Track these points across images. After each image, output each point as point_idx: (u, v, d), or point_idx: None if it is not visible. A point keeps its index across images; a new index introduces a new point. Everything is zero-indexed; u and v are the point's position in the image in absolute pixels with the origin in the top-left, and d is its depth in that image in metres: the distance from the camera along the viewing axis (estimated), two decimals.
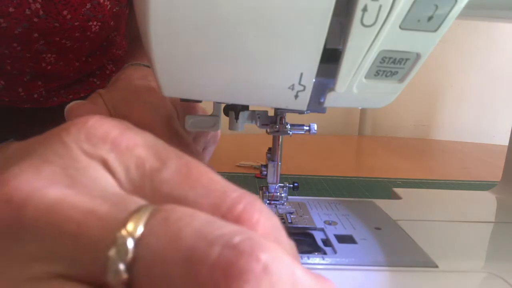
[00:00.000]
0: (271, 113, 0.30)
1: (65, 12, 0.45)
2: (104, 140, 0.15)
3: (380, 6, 0.18)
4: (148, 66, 0.41)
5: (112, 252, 0.11)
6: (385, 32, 0.18)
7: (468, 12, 0.20)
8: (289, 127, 0.29)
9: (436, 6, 0.18)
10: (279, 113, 0.29)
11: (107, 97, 0.32)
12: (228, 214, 0.13)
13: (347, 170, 0.62)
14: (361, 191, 0.51)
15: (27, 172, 0.14)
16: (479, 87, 1.04)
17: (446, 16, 0.19)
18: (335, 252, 0.28)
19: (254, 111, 0.30)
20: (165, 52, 0.19)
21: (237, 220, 0.13)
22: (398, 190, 0.42)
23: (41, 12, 0.44)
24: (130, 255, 0.11)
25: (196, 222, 0.11)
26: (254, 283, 0.10)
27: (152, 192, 0.14)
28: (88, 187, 0.14)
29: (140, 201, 0.13)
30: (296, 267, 0.11)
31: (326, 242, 0.29)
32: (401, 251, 0.29)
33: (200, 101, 0.29)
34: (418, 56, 0.20)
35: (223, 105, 0.30)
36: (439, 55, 0.95)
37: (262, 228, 0.13)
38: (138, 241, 0.11)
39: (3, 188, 0.13)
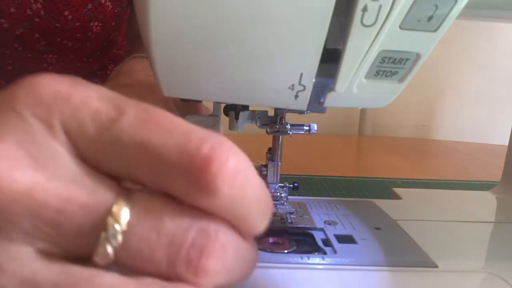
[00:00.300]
0: (271, 113, 0.30)
1: (66, 13, 0.45)
2: (56, 100, 0.14)
3: (380, 6, 0.18)
4: None
5: (102, 237, 0.13)
6: (385, 32, 0.18)
7: (468, 12, 0.20)
8: (289, 127, 0.29)
9: (436, 6, 0.18)
10: (279, 113, 0.29)
11: None
12: (196, 154, 0.13)
13: (347, 170, 0.62)
14: (361, 191, 0.51)
15: None
16: (479, 87, 1.04)
17: (446, 16, 0.19)
18: (335, 252, 0.28)
19: (254, 111, 0.30)
20: (165, 52, 0.19)
21: (206, 159, 0.13)
22: (398, 190, 0.42)
23: (42, 12, 0.44)
24: (120, 239, 0.13)
25: (171, 210, 0.14)
26: (217, 257, 0.13)
27: (111, 144, 0.14)
28: (52, 167, 0.13)
29: (110, 185, 0.14)
30: (238, 240, 0.15)
31: (326, 242, 0.29)
32: (401, 251, 0.29)
33: (200, 101, 0.29)
34: (418, 56, 0.20)
35: (223, 105, 0.30)
36: (439, 55, 0.95)
37: (232, 166, 0.13)
38: (126, 228, 0.13)
39: None
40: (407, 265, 0.27)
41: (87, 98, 0.14)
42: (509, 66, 1.02)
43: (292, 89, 0.21)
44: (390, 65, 0.21)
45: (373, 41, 0.19)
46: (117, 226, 0.13)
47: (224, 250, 0.14)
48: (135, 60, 0.44)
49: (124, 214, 0.13)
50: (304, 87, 0.20)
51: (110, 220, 0.13)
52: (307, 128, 0.30)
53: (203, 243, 0.13)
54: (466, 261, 0.28)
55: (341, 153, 0.77)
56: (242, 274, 0.15)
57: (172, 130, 0.13)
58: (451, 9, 0.19)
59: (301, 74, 0.20)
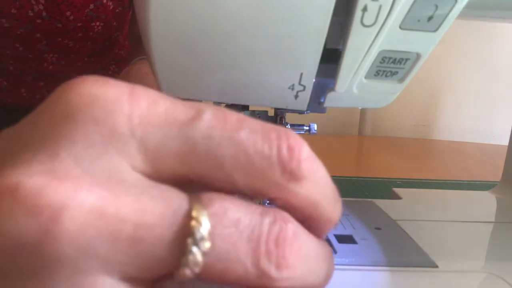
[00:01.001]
0: (271, 113, 0.30)
1: (68, 13, 0.45)
2: (120, 103, 0.12)
3: (380, 6, 0.18)
4: None
5: (190, 243, 0.12)
6: (385, 32, 0.19)
7: (468, 12, 0.20)
8: (289, 127, 0.29)
9: (436, 6, 0.18)
10: (279, 113, 0.29)
11: None
12: (281, 144, 0.14)
13: (347, 170, 0.62)
14: (361, 191, 0.51)
15: (41, 172, 0.11)
16: (479, 87, 1.04)
17: (446, 16, 0.19)
18: (335, 252, 0.28)
19: (254, 111, 0.30)
20: (165, 52, 0.19)
21: (290, 147, 0.14)
22: (398, 190, 0.42)
23: (44, 14, 0.44)
24: (208, 243, 0.12)
25: (241, 206, 0.13)
26: (291, 244, 0.13)
27: (202, 142, 0.13)
28: (115, 182, 0.12)
29: (177, 191, 0.13)
30: (307, 232, 0.15)
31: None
32: (401, 251, 0.29)
33: (200, 101, 0.29)
34: (418, 56, 0.20)
35: (223, 105, 0.30)
36: (439, 55, 0.95)
37: (306, 151, 0.14)
38: (210, 231, 0.12)
39: (17, 194, 0.11)
40: (407, 265, 0.27)
41: (153, 100, 0.13)
42: (509, 66, 1.02)
43: (292, 89, 0.21)
44: (390, 65, 0.21)
45: (373, 41, 0.19)
46: (202, 230, 0.12)
47: (297, 238, 0.14)
48: (142, 62, 0.44)
49: (204, 216, 0.12)
50: (304, 87, 0.20)
51: (194, 224, 0.12)
52: (307, 128, 0.30)
53: (277, 233, 0.13)
54: (466, 261, 0.28)
55: (341, 153, 0.77)
56: (321, 273, 0.15)
57: (250, 126, 0.14)
58: (451, 9, 0.19)
59: (301, 74, 0.20)
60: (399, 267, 0.27)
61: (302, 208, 0.15)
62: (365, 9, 0.18)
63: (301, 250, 0.14)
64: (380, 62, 0.20)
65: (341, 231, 0.31)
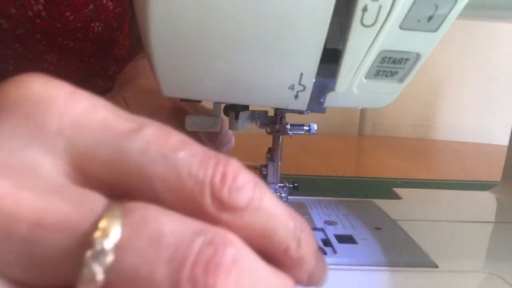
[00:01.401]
0: (271, 113, 0.30)
1: (68, 13, 0.45)
2: (54, 101, 0.12)
3: (380, 6, 0.18)
4: None
5: (88, 256, 0.11)
6: (385, 32, 0.19)
7: (468, 12, 0.20)
8: (289, 127, 0.29)
9: (436, 6, 0.18)
10: (279, 113, 0.29)
11: (133, 105, 0.33)
12: (214, 173, 0.12)
13: (347, 170, 0.62)
14: (361, 191, 0.51)
15: None
16: (479, 87, 1.04)
17: (446, 16, 0.19)
18: (335, 252, 0.28)
19: (254, 111, 0.30)
20: (165, 52, 0.19)
21: (222, 177, 0.12)
22: (398, 190, 0.42)
23: (43, 14, 0.44)
24: (110, 259, 0.11)
25: (172, 220, 0.12)
26: (226, 274, 0.11)
27: (138, 156, 0.12)
28: (29, 176, 0.11)
29: (98, 197, 0.12)
30: (257, 260, 0.13)
31: (326, 242, 0.29)
32: (401, 251, 0.29)
33: (200, 101, 0.29)
34: (418, 56, 0.20)
35: (223, 105, 0.30)
36: (439, 55, 0.95)
37: (238, 184, 0.13)
38: (118, 243, 0.11)
39: None
40: (407, 265, 0.27)
41: (92, 105, 0.13)
42: (509, 66, 1.02)
43: (292, 89, 0.21)
44: (390, 65, 0.21)
45: (373, 41, 0.19)
46: (106, 242, 0.11)
47: (237, 266, 0.11)
48: (145, 58, 0.43)
49: (115, 227, 0.11)
50: (304, 87, 0.20)
51: (97, 234, 0.11)
52: (307, 128, 0.30)
53: (209, 256, 0.11)
54: (466, 261, 0.28)
55: (341, 153, 0.77)
56: None
57: (190, 147, 0.13)
58: (451, 9, 0.19)
59: (301, 74, 0.20)
60: (399, 267, 0.27)
61: (248, 240, 0.13)
62: (365, 9, 0.18)
63: (241, 283, 0.11)
64: (380, 62, 0.20)
65: (341, 231, 0.31)
